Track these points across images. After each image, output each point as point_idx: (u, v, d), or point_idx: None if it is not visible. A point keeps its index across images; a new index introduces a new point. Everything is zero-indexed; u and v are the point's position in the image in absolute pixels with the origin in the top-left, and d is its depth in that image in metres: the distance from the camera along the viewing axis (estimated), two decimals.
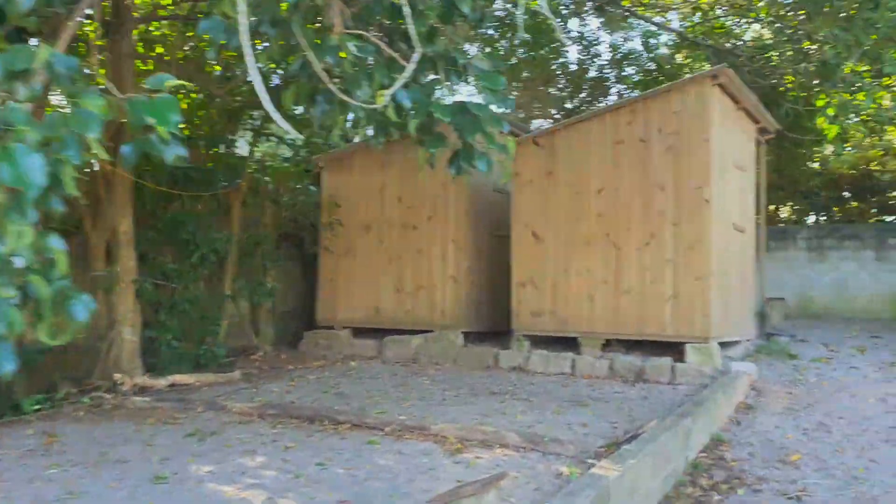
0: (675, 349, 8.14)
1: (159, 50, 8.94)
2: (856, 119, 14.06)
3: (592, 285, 8.49)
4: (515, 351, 8.80)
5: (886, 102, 7.64)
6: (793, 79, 8.54)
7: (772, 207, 17.28)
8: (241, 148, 10.04)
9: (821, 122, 8.27)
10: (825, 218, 17.16)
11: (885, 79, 8.63)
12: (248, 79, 8.97)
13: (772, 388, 7.27)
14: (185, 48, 9.02)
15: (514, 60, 17.41)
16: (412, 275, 9.75)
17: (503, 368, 8.59)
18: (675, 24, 15.32)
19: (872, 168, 16.27)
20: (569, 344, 8.84)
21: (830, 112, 7.69)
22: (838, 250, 14.02)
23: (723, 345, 8.47)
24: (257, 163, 9.53)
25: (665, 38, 16.70)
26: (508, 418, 5.84)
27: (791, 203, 17.20)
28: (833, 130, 7.80)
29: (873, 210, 16.47)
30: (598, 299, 8.44)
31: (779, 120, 10.69)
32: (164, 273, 8.34)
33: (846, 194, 16.81)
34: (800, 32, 8.62)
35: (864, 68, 7.55)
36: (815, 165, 17.33)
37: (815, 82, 7.60)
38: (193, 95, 8.46)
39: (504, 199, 9.76)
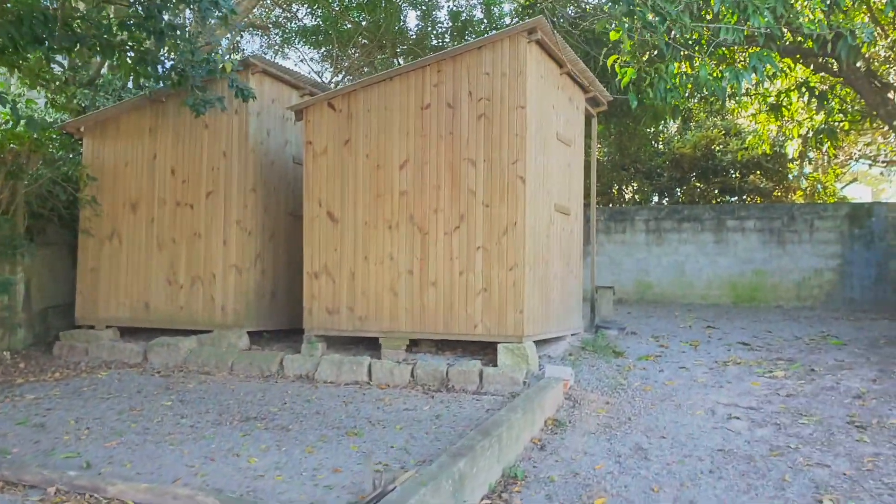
0: (489, 349, 7.02)
1: None
2: (698, 98, 13.54)
3: (396, 276, 7.18)
4: (305, 355, 7.36)
5: (727, 78, 6.82)
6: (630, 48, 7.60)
7: (615, 188, 16.71)
8: None
9: (616, 68, 7.34)
10: (668, 199, 16.75)
11: (722, 49, 7.80)
12: None
13: (589, 396, 6.22)
14: None
15: (348, 25, 15.87)
16: (187, 263, 8.06)
17: (289, 377, 7.13)
18: None
19: (714, 148, 15.93)
20: (371, 345, 7.54)
21: (626, 47, 6.74)
22: (677, 233, 13.44)
23: (544, 342, 7.43)
24: None
25: (507, 7, 15.67)
26: (239, 463, 4.40)
27: (635, 183, 16.66)
28: (628, 74, 6.86)
29: (716, 191, 16.18)
30: (403, 293, 7.15)
31: (613, 92, 9.76)
32: None
33: (690, 175, 16.42)
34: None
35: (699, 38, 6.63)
36: (660, 145, 16.89)
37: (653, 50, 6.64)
38: None
39: None
